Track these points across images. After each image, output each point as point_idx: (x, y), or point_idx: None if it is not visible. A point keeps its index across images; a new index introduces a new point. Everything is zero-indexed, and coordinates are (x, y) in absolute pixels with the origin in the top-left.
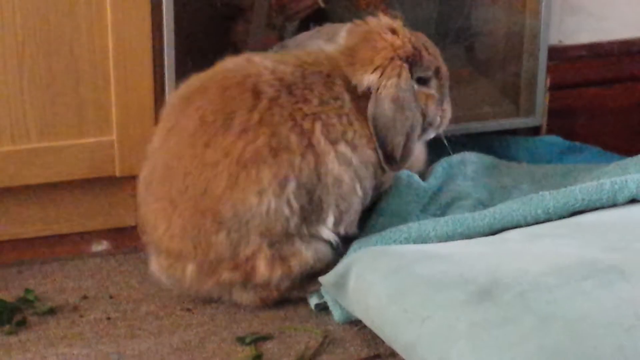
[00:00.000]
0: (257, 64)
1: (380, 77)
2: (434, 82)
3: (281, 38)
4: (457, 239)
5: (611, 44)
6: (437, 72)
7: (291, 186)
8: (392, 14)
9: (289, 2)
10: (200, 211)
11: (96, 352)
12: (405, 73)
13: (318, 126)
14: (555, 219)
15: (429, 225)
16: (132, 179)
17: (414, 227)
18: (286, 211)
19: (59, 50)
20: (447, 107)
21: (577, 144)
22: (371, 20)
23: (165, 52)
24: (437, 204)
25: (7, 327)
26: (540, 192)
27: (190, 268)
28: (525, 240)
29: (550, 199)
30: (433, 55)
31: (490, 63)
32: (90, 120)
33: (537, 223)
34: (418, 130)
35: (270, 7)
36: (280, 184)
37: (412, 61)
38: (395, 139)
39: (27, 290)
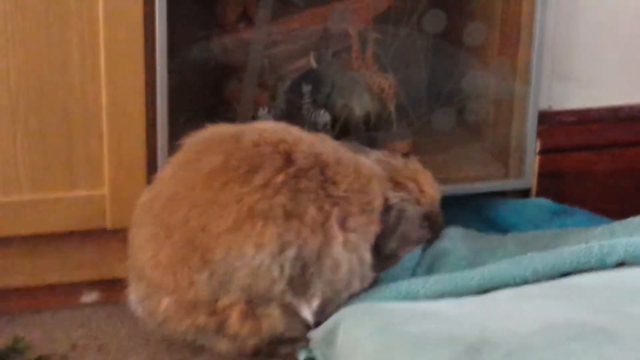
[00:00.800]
0: (295, 133)
1: (406, 196)
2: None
3: (273, 98)
4: (446, 297)
5: (599, 110)
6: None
7: (291, 253)
8: (384, 76)
9: (281, 63)
10: (193, 245)
11: None
12: (424, 207)
13: (337, 211)
14: (544, 280)
15: (418, 283)
16: (122, 231)
17: (403, 285)
18: (276, 273)
19: (52, 106)
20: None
21: (567, 206)
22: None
23: (159, 109)
24: (422, 267)
25: None
26: (529, 253)
27: (166, 302)
28: (514, 300)
29: (539, 261)
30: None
31: (481, 126)
32: (82, 174)
33: (525, 283)
34: (413, 245)
35: (263, 68)
36: (281, 246)
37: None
38: (394, 242)
39: (17, 339)
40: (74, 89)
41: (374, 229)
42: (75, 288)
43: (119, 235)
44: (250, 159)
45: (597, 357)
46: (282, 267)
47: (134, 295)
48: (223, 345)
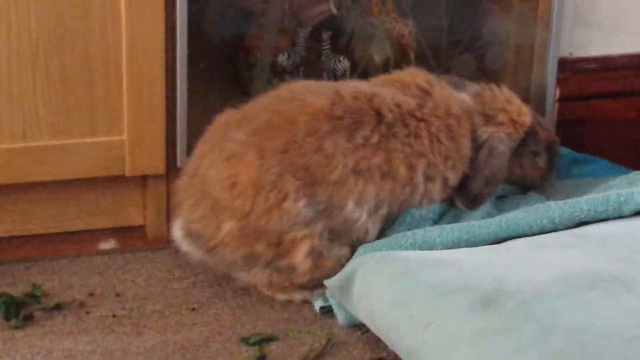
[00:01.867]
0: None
1: (496, 130)
2: (543, 155)
3: (293, 44)
4: (462, 247)
5: (621, 57)
6: (548, 147)
7: (384, 210)
8: (404, 22)
9: (301, 9)
10: (290, 177)
11: (101, 349)
12: (515, 137)
13: (423, 164)
14: (561, 229)
15: (434, 232)
16: (141, 178)
17: (419, 233)
18: (369, 227)
19: (72, 50)
20: (553, 176)
21: (586, 155)
22: (501, 89)
23: (178, 55)
24: (445, 220)
25: (13, 322)
26: (547, 202)
27: (230, 226)
28: (529, 250)
29: (556, 209)
30: (547, 132)
31: (501, 73)
32: (102, 119)
33: (542, 233)
34: (498, 185)
35: (283, 13)
36: (376, 206)
37: (528, 133)
38: (480, 182)
39: (35, 286)
40: (95, 34)
41: (459, 173)
42: (93, 235)
43: (137, 183)
44: (352, 113)
45: (612, 306)
46: (374, 223)
47: (182, 220)
48: (261, 277)
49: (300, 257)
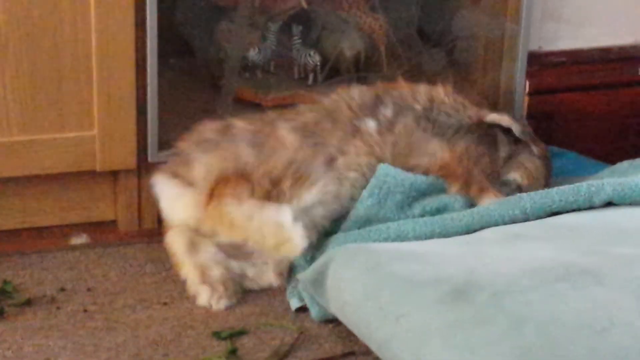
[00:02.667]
0: None
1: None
2: None
3: (263, 38)
4: (435, 238)
5: (590, 50)
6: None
7: None
8: (374, 16)
9: (272, 3)
10: None
11: (72, 344)
12: None
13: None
14: (533, 219)
15: (407, 225)
16: (112, 173)
17: (393, 227)
18: None
19: (41, 45)
20: None
21: (556, 148)
22: None
23: (149, 47)
24: (421, 207)
25: None
26: (518, 194)
27: None
28: (501, 241)
29: (527, 199)
30: None
31: (471, 67)
32: (72, 114)
33: (514, 223)
34: None
35: (253, 8)
36: None
37: None
38: None
39: (5, 282)
40: (64, 29)
41: None
42: (64, 230)
43: (108, 178)
44: None
45: (582, 298)
46: None
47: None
48: None
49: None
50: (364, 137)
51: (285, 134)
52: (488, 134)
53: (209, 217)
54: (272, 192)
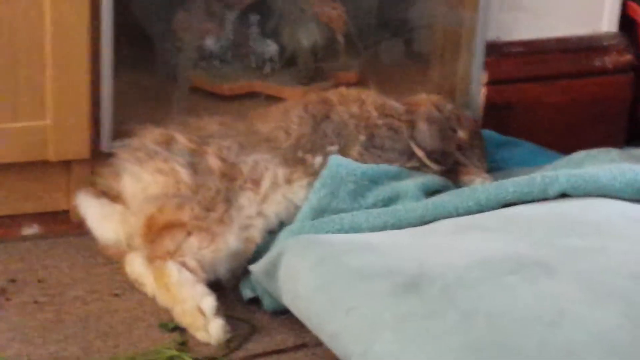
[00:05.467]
0: None
1: None
2: None
3: (220, 27)
4: (389, 230)
5: (548, 41)
6: None
7: None
8: (332, 5)
9: None
10: None
11: (22, 336)
12: None
13: None
14: (487, 211)
15: (361, 216)
16: (65, 163)
17: (346, 218)
18: None
19: None
20: None
21: (512, 138)
22: None
23: (103, 36)
24: (374, 197)
25: None
26: (473, 185)
27: None
28: (453, 233)
29: (482, 190)
30: None
31: (428, 56)
32: (25, 104)
33: (468, 214)
34: None
35: None
36: None
37: None
38: None
39: None
40: (17, 17)
41: None
42: (15, 221)
43: (61, 167)
44: None
45: (532, 291)
46: None
47: None
48: None
49: None
50: (307, 170)
51: (214, 159)
52: None
53: (152, 270)
54: (207, 221)
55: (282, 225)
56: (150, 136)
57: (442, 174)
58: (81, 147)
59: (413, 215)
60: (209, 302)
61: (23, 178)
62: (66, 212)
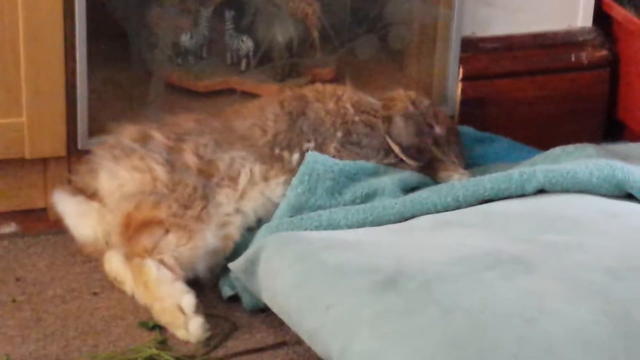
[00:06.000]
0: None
1: None
2: None
3: (195, 23)
4: (367, 226)
5: (524, 36)
6: None
7: None
8: (307, 1)
9: None
10: None
11: (0, 335)
12: None
13: None
14: (465, 207)
15: (339, 213)
16: (41, 161)
17: (325, 215)
18: None
19: None
20: None
21: (489, 134)
22: None
23: (77, 32)
24: (352, 193)
25: None
26: (451, 182)
27: None
28: (432, 229)
29: (459, 187)
30: None
31: (404, 52)
32: (0, 101)
33: (446, 211)
34: None
35: None
36: None
37: None
38: None
39: None
40: None
41: None
42: None
43: (38, 165)
44: None
45: (511, 287)
46: None
47: None
48: None
49: None
50: (284, 167)
51: (191, 156)
52: None
53: (130, 268)
54: (184, 219)
55: (260, 222)
56: (126, 133)
57: (420, 170)
58: (57, 145)
59: (391, 211)
60: (188, 299)
61: None
62: (43, 210)
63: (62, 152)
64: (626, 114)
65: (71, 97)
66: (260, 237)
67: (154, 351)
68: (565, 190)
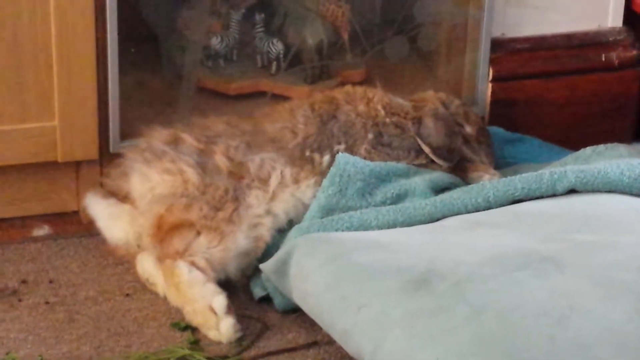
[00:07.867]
0: None
1: None
2: None
3: (226, 26)
4: (398, 227)
5: (554, 37)
6: None
7: None
8: (337, 4)
9: None
10: None
11: (34, 336)
12: None
13: None
14: (496, 208)
15: (370, 214)
16: (74, 164)
17: (355, 216)
18: None
19: (1, 35)
20: None
21: (519, 135)
22: None
23: (109, 36)
24: (382, 194)
25: None
26: (481, 182)
27: None
28: (463, 229)
29: (490, 187)
30: None
31: (434, 54)
32: (33, 105)
33: (477, 211)
34: None
35: None
36: None
37: None
38: None
39: None
40: (23, 18)
41: None
42: (26, 222)
43: (70, 168)
44: None
45: (542, 286)
46: None
47: None
48: None
49: None
50: (315, 169)
51: (222, 159)
52: None
53: (162, 270)
54: (215, 220)
55: (291, 223)
56: (157, 136)
57: (450, 170)
58: (89, 148)
59: (422, 212)
60: (220, 301)
61: (32, 179)
62: (76, 212)
63: (94, 155)
64: None
65: (103, 100)
66: (291, 238)
67: (187, 352)
68: (597, 190)
